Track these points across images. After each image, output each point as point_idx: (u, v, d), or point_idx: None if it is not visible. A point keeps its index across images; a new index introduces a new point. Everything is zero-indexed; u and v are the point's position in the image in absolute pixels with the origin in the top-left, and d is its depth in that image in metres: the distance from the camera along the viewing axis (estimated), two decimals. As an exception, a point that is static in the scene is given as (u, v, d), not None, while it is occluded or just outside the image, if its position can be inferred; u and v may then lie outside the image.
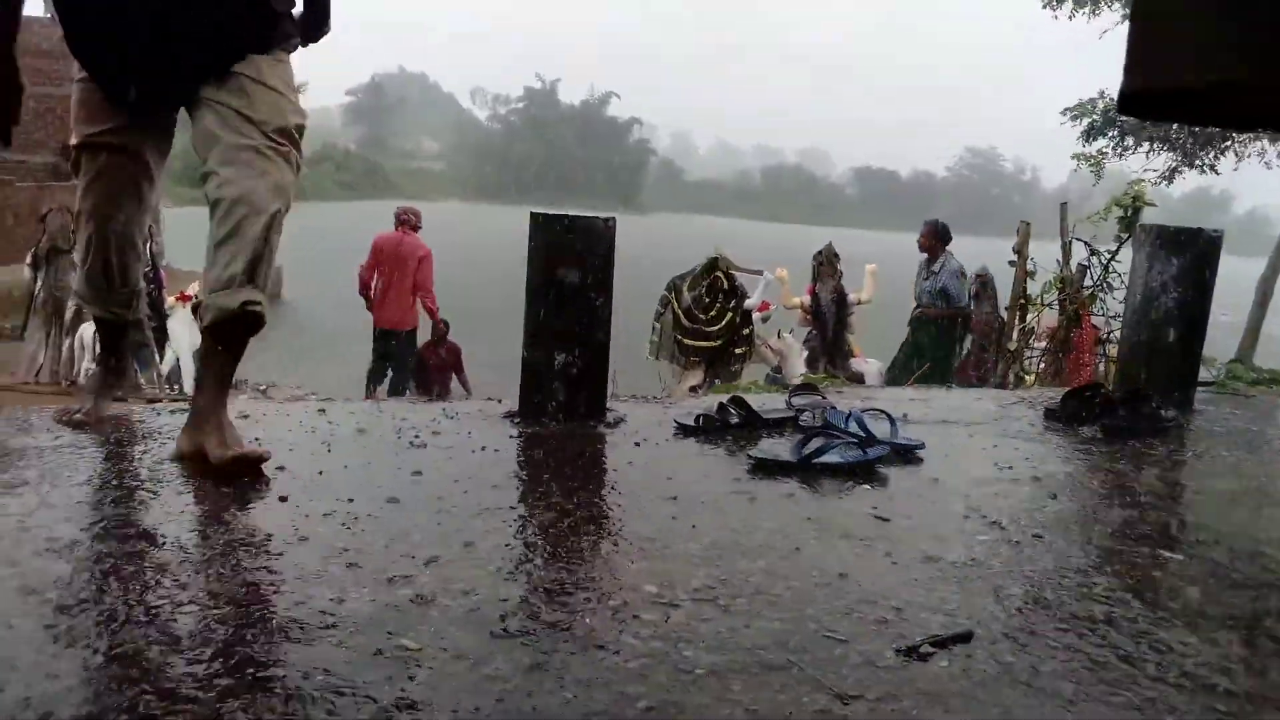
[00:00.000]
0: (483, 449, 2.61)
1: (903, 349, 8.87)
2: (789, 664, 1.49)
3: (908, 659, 1.53)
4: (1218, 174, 14.39)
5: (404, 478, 2.34)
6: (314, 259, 25.63)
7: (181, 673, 1.33)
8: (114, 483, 2.14)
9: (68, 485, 2.09)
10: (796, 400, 3.27)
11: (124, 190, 2.54)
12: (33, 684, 1.28)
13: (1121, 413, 3.35)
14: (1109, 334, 6.82)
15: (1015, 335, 7.65)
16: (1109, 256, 6.92)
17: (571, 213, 3.07)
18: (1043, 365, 7.37)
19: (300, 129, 2.42)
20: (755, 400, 3.24)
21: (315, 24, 2.54)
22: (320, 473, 2.28)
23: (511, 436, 2.79)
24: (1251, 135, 13.21)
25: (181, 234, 21.94)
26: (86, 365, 9.79)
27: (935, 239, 8.75)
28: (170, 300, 10.22)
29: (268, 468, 2.30)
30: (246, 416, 2.80)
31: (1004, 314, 7.94)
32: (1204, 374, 4.44)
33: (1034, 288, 7.56)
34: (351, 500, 2.08)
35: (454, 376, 9.93)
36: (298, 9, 2.51)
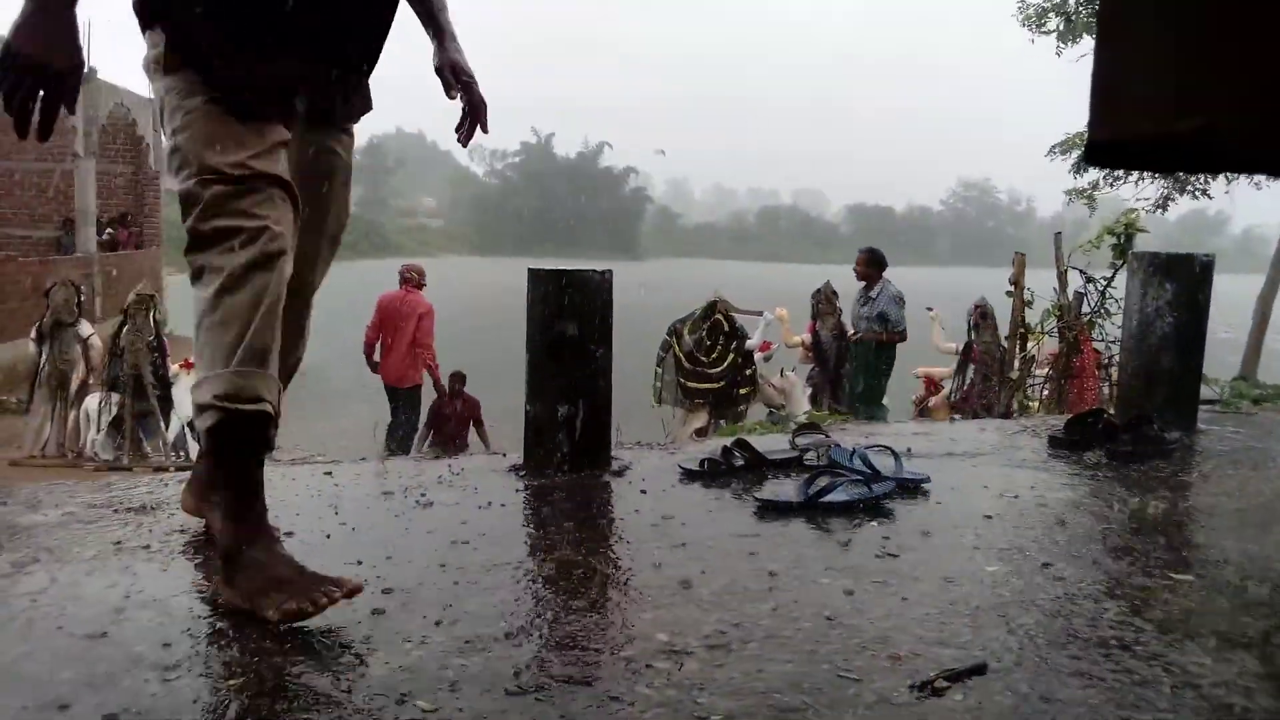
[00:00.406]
0: (489, 504, 2.62)
1: (854, 379, 8.86)
2: (804, 706, 1.49)
3: (922, 695, 1.53)
4: (1210, 198, 14.49)
5: (412, 538, 2.35)
6: (315, 319, 25.73)
7: (197, 743, 1.34)
8: (123, 557, 2.15)
9: (77, 562, 2.10)
10: (800, 440, 3.28)
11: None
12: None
13: (1125, 437, 3.35)
14: (1110, 358, 6.83)
15: (1017, 364, 7.67)
16: (1105, 283, 6.95)
17: (570, 264, 3.09)
18: (1045, 392, 7.38)
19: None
20: (759, 442, 3.25)
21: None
22: (328, 536, 2.29)
23: (517, 490, 2.80)
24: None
25: (183, 301, 22.11)
26: (92, 437, 9.82)
27: (871, 266, 8.76)
28: (175, 368, 10.25)
29: (276, 533, 2.30)
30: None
31: (1004, 344, 7.97)
32: (1208, 392, 4.45)
33: (1033, 316, 7.59)
34: (360, 563, 2.09)
35: (473, 430, 9.93)
36: None
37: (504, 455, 3.21)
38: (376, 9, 2.08)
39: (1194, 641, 1.76)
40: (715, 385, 9.03)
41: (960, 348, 8.63)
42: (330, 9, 1.97)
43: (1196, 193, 14.29)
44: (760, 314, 9.57)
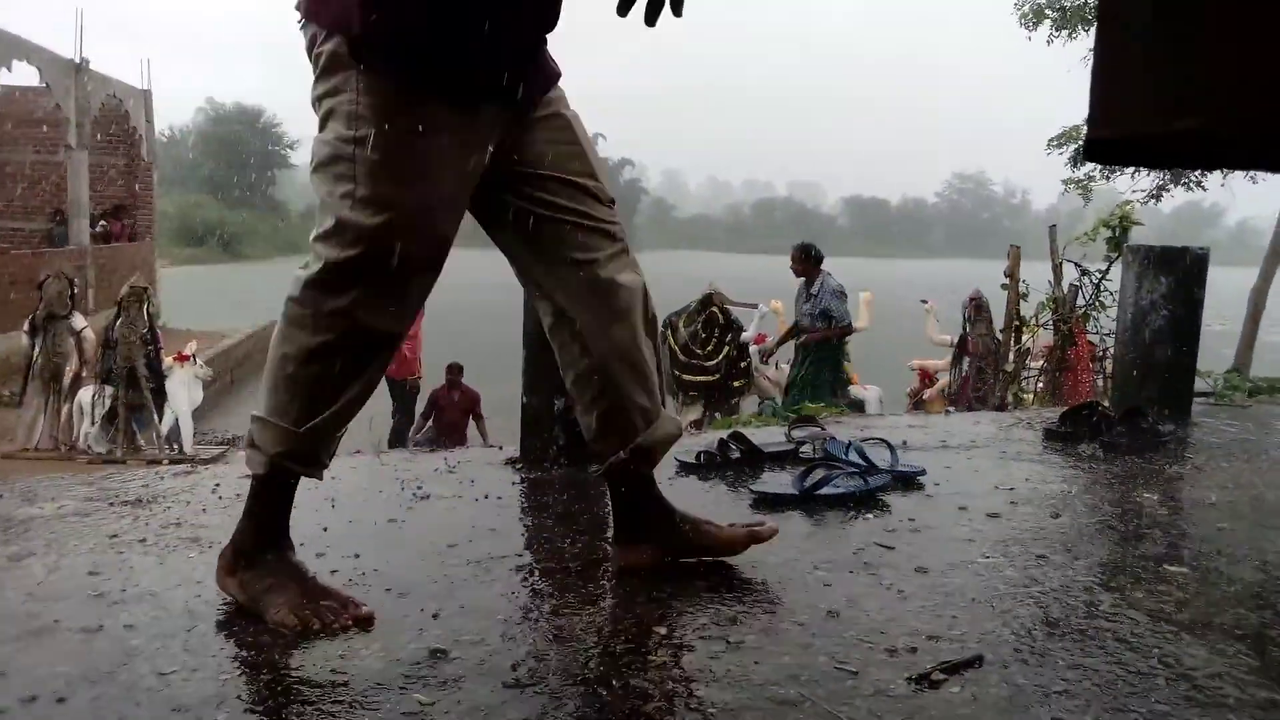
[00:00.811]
0: (485, 497, 2.62)
1: (793, 370, 8.75)
2: (802, 698, 1.49)
3: (920, 687, 1.53)
4: (1204, 189, 14.53)
5: (408, 530, 2.35)
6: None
7: (195, 736, 1.34)
8: (120, 550, 2.15)
9: (74, 555, 2.10)
10: (796, 433, 3.28)
11: None
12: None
13: (1120, 429, 3.36)
14: (1104, 350, 6.85)
15: (1011, 357, 7.69)
16: (1100, 276, 6.97)
17: (815, 265, 3.07)
18: (1040, 385, 7.40)
19: None
20: (755, 434, 3.25)
21: None
22: (325, 529, 2.29)
23: (514, 483, 2.80)
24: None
25: (177, 294, 22.08)
26: (86, 430, 9.81)
27: (805, 262, 8.59)
28: (168, 361, 10.25)
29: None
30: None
31: (999, 336, 7.98)
32: (1202, 385, 4.46)
33: (1027, 309, 7.61)
34: (357, 556, 2.09)
35: (471, 423, 9.93)
36: None
37: (500, 448, 3.21)
38: None
39: (1189, 633, 1.77)
40: (710, 378, 9.05)
41: (955, 340, 8.64)
42: None
43: (1191, 185, 14.32)
44: (755, 306, 9.59)
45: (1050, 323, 7.35)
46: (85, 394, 9.90)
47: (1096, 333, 7.12)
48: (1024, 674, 1.59)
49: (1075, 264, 7.22)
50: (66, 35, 17.70)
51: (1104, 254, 7.03)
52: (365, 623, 1.71)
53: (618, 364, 1.92)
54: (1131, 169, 14.01)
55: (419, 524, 2.40)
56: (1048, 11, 14.27)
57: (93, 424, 9.74)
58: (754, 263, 49.36)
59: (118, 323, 9.77)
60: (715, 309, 9.14)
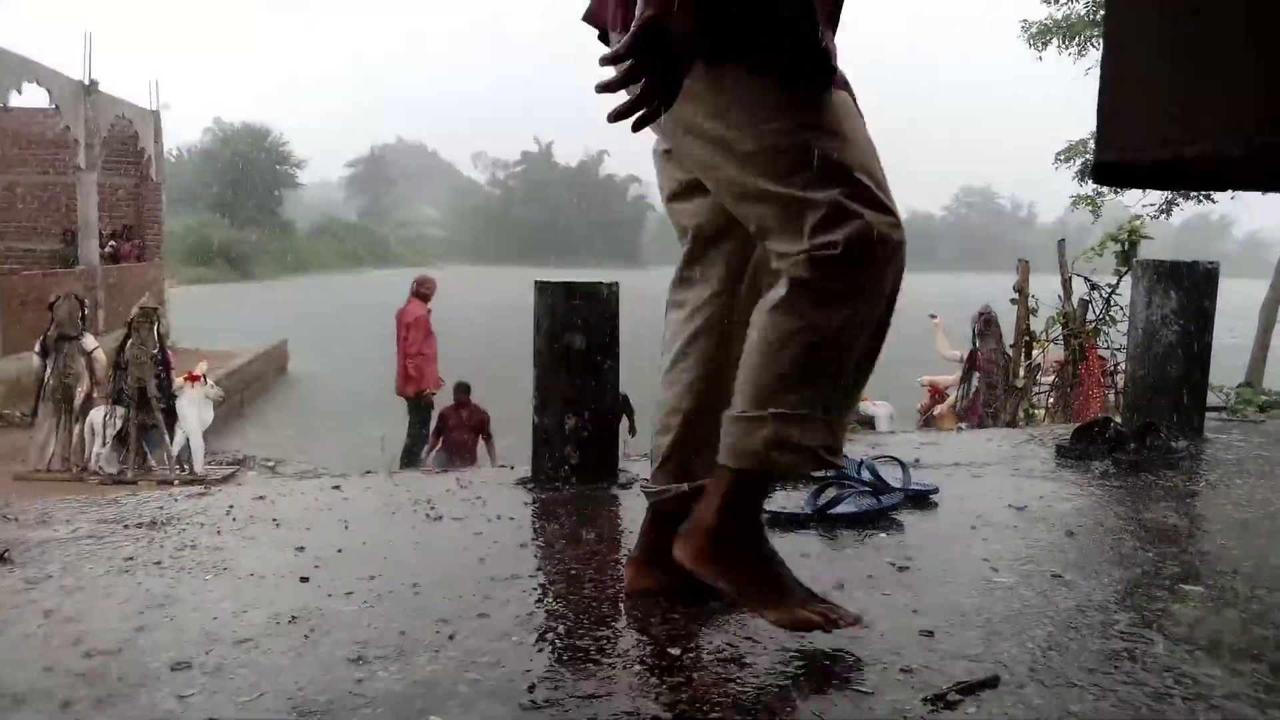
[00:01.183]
0: (498, 517, 2.63)
1: None
2: (817, 719, 1.49)
3: (936, 708, 1.53)
4: (1214, 202, 14.51)
5: (423, 552, 2.35)
6: (317, 331, 25.81)
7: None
8: (135, 573, 2.16)
9: (90, 578, 2.11)
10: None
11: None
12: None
13: (1132, 446, 3.36)
14: (1115, 365, 6.83)
15: (1022, 372, 7.68)
16: (1109, 290, 6.96)
17: (572, 273, 3.10)
18: (1051, 400, 7.38)
19: None
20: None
21: None
22: (339, 551, 2.30)
23: (525, 503, 2.81)
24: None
25: (186, 313, 22.18)
26: (97, 450, 9.85)
27: None
28: (178, 381, 10.29)
29: (287, 547, 2.32)
30: (262, 497, 2.82)
31: (1009, 351, 7.97)
32: (1213, 399, 4.45)
33: (1037, 324, 7.60)
34: (373, 578, 2.10)
35: (480, 442, 9.94)
36: None
37: (511, 468, 3.22)
38: None
39: (1205, 653, 1.76)
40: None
41: (965, 355, 8.63)
42: None
43: (1200, 198, 14.30)
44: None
45: (1060, 338, 7.33)
46: (96, 415, 9.94)
47: (1107, 347, 7.10)
48: (1040, 695, 1.58)
49: (1085, 278, 7.21)
50: (75, 57, 17.84)
51: (1113, 268, 7.02)
52: (857, 623, 1.75)
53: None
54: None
55: (432, 545, 2.41)
56: (1052, 33, 14.31)
57: (104, 445, 9.78)
58: (761, 278, 49.32)
59: (128, 343, 9.82)
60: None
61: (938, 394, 9.27)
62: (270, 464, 11.56)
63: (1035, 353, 7.64)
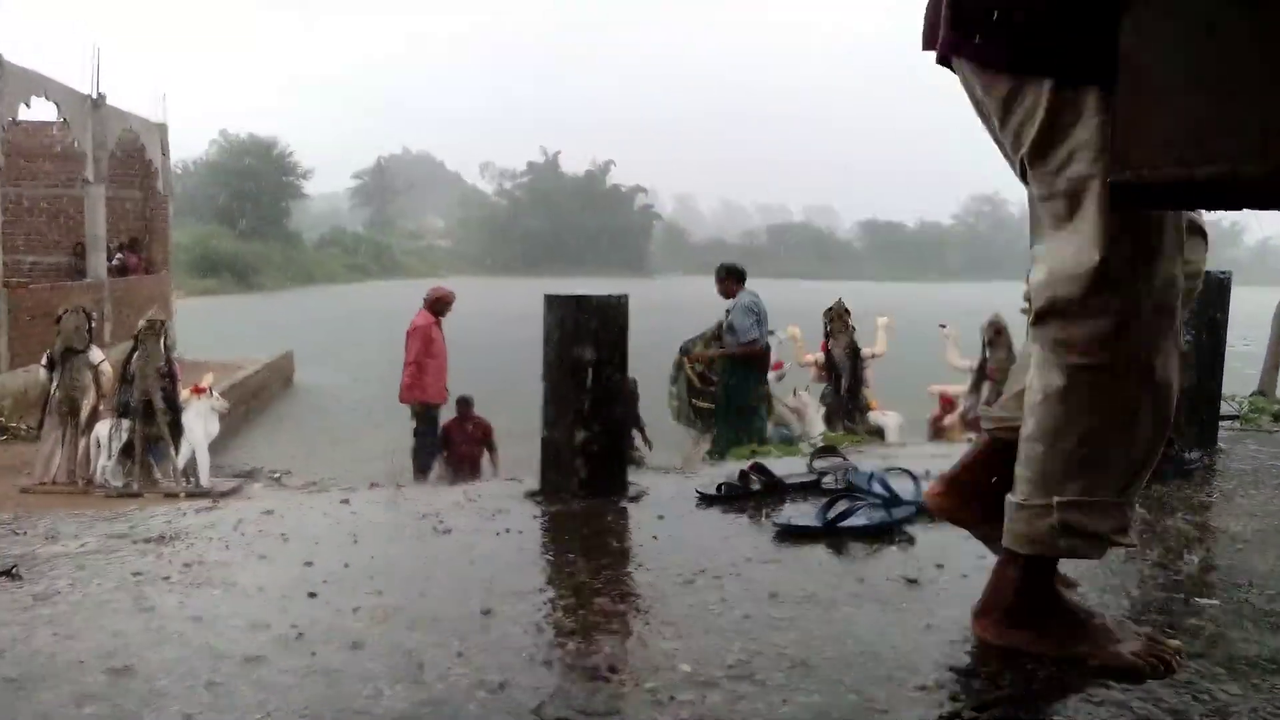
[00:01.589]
0: (506, 531, 2.62)
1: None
2: (831, 738, 1.48)
3: (951, 726, 1.51)
4: (1230, 210, 14.45)
5: (431, 566, 2.34)
6: (323, 342, 25.86)
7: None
8: (144, 588, 2.15)
9: (98, 593, 2.10)
10: (818, 463, 3.27)
11: None
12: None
13: (1145, 457, 3.33)
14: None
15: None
16: (1119, 298, 6.92)
17: (579, 283, 3.10)
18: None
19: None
20: (776, 465, 3.23)
21: None
22: (347, 565, 2.29)
23: (535, 516, 2.80)
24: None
25: (192, 325, 22.23)
26: (103, 464, 9.85)
27: (727, 280, 8.57)
28: (185, 393, 10.30)
29: (294, 562, 2.31)
30: (270, 512, 2.81)
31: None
32: (1226, 408, 4.42)
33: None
34: (380, 593, 2.08)
35: (484, 454, 9.93)
36: None
37: (520, 481, 3.20)
38: None
39: (1223, 668, 1.74)
40: (728, 405, 9.01)
41: (975, 365, 8.60)
42: None
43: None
44: (773, 333, 9.57)
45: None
46: (102, 427, 9.94)
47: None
48: (1058, 712, 1.57)
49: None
50: (83, 69, 17.92)
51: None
52: (1180, 654, 1.71)
53: None
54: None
55: (441, 559, 2.39)
56: None
57: (110, 457, 9.78)
58: (770, 288, 49.43)
59: (135, 356, 9.83)
60: (733, 336, 9.11)
61: (948, 403, 9.23)
62: (277, 476, 11.57)
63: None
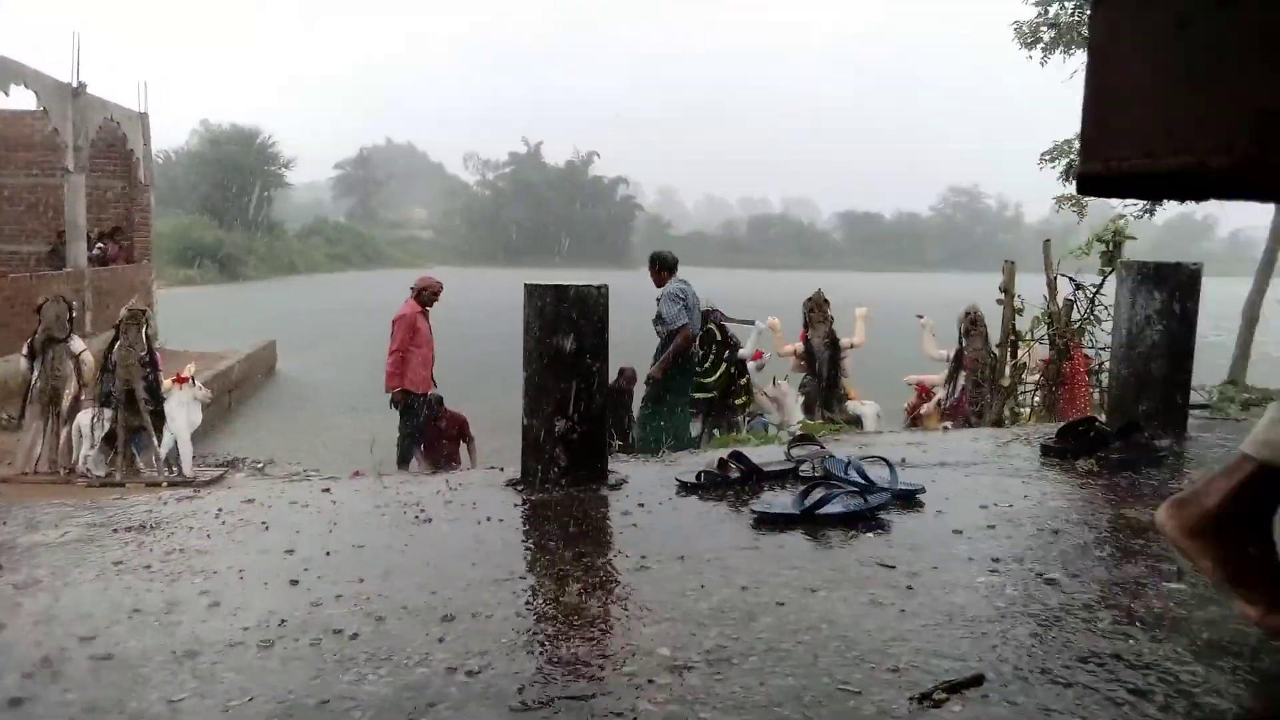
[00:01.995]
0: (487, 519, 2.64)
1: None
2: (805, 719, 1.51)
3: (922, 707, 1.55)
4: (1197, 201, 14.56)
5: (412, 554, 2.36)
6: (306, 332, 25.74)
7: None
8: (125, 577, 2.16)
9: (79, 583, 2.11)
10: (796, 451, 3.30)
11: None
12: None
13: (1116, 445, 3.38)
14: (1100, 364, 6.87)
15: (1008, 371, 7.71)
16: (1094, 290, 7.00)
17: (560, 274, 3.13)
18: (1037, 399, 7.42)
19: None
20: (755, 453, 3.27)
21: None
22: (328, 554, 2.31)
23: (515, 505, 2.82)
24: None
25: (174, 315, 22.09)
26: (84, 453, 9.80)
27: (657, 270, 8.58)
28: (167, 383, 10.25)
29: (276, 550, 2.33)
30: (251, 500, 2.82)
31: (995, 351, 8.00)
32: (1197, 397, 4.48)
33: (1023, 324, 7.63)
34: (362, 580, 2.10)
35: (461, 446, 9.91)
36: None
37: (501, 470, 3.23)
38: None
39: (1187, 650, 1.78)
40: (708, 395, 9.05)
41: (951, 355, 8.66)
42: None
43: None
44: (752, 323, 9.61)
45: (1046, 337, 7.37)
46: (84, 417, 9.89)
47: (1092, 347, 7.14)
48: (1025, 692, 1.60)
49: (1070, 278, 7.25)
50: (63, 57, 17.77)
51: (1098, 268, 7.07)
52: None
53: None
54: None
55: (422, 548, 2.41)
56: (1043, 31, 14.37)
57: (92, 447, 9.73)
58: (751, 279, 49.47)
59: (116, 345, 9.78)
60: (713, 326, 9.15)
61: (925, 393, 9.29)
62: (259, 465, 11.53)
63: (1021, 352, 7.67)
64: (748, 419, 9.15)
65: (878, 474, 2.89)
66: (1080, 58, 13.93)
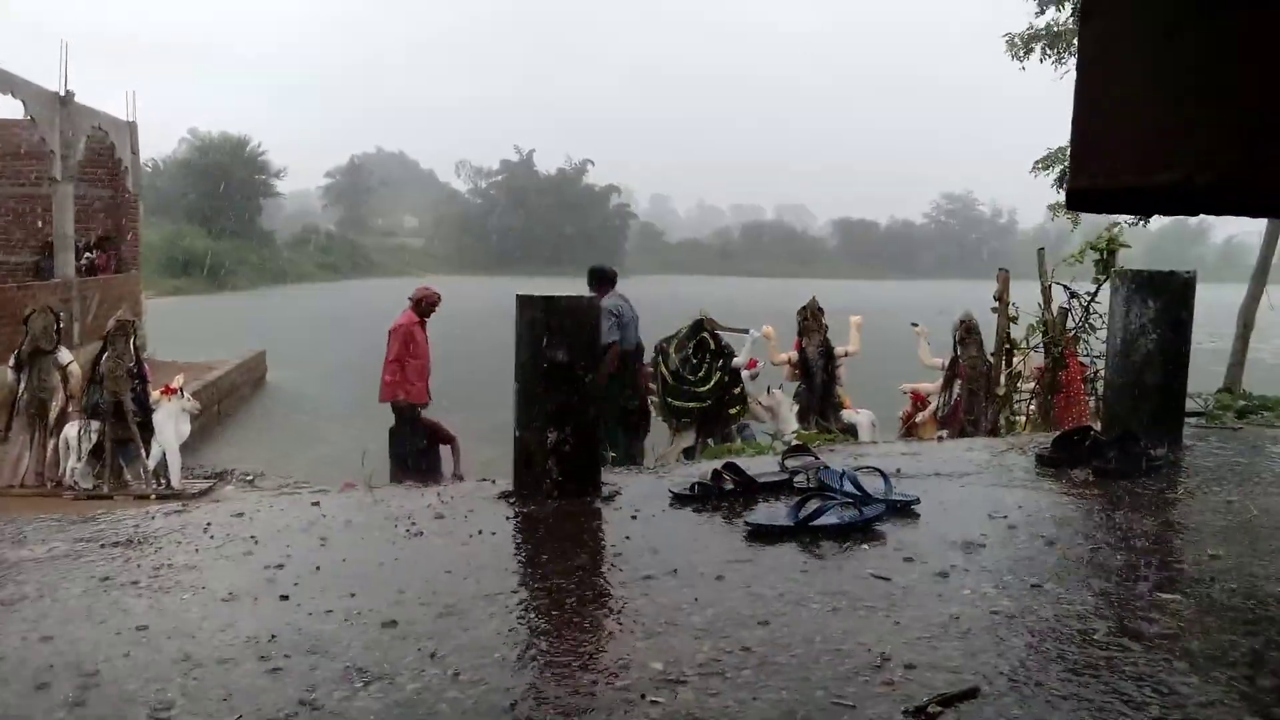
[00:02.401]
0: (479, 532, 2.62)
1: None
2: (799, 736, 1.49)
3: (917, 721, 1.53)
4: (1188, 216, 14.59)
5: (403, 569, 2.34)
6: (296, 341, 25.67)
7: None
8: (112, 593, 2.14)
9: (67, 599, 2.09)
10: (790, 462, 3.29)
11: None
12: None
13: (1111, 454, 3.37)
14: (1095, 373, 6.87)
15: (1003, 380, 7.71)
16: (1089, 298, 7.00)
17: (553, 282, 3.11)
18: (1032, 407, 7.42)
19: None
20: (749, 464, 3.25)
21: None
22: (318, 569, 2.28)
23: (508, 517, 2.80)
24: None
25: (163, 325, 22.01)
26: (72, 465, 9.73)
27: (594, 285, 8.60)
28: (155, 394, 10.19)
29: (266, 565, 2.30)
30: (240, 514, 2.80)
31: (990, 359, 8.00)
32: (1192, 405, 4.48)
33: (1018, 332, 7.64)
34: (353, 595, 2.08)
35: (444, 449, 9.84)
36: None
37: (493, 482, 3.21)
38: None
39: (1182, 661, 1.77)
40: (702, 404, 9.04)
41: (946, 363, 8.66)
42: None
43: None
44: (746, 331, 9.60)
45: (1041, 345, 7.37)
46: (71, 429, 9.82)
47: (1087, 355, 7.14)
48: (1019, 705, 1.59)
49: (1064, 286, 7.25)
50: (51, 67, 17.70)
51: (1093, 275, 7.07)
52: None
53: None
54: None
55: (413, 561, 2.39)
56: (1034, 43, 14.42)
57: (79, 459, 9.67)
58: (744, 286, 49.51)
59: (104, 356, 9.72)
60: (706, 334, 9.13)
61: (920, 401, 9.28)
62: (249, 477, 11.47)
63: (1016, 360, 7.67)
64: (737, 428, 9.14)
65: (872, 485, 2.87)
66: (1071, 65, 13.98)
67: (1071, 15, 13.88)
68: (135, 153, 21.65)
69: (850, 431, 8.48)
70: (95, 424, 9.65)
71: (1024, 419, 7.43)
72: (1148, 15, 0.79)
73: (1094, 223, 9.18)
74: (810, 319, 9.22)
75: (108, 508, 2.99)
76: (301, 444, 14.03)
